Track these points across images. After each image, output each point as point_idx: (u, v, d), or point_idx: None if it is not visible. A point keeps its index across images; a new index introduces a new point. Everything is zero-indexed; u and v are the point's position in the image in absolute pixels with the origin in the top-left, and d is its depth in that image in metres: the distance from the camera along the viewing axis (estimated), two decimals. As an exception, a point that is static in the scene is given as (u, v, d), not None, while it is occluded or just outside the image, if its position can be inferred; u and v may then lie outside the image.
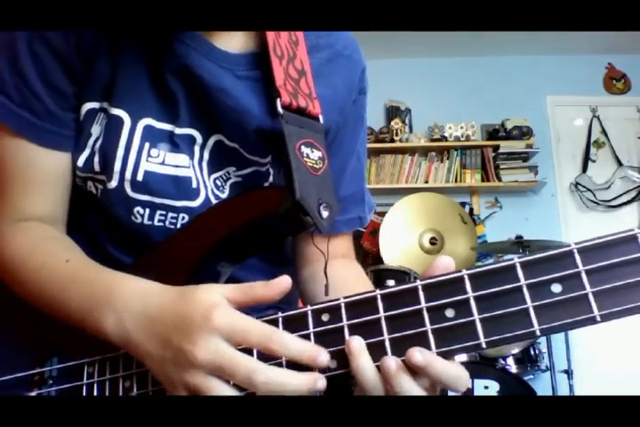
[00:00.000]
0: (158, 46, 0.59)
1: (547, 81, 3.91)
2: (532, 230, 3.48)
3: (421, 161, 3.75)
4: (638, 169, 3.81)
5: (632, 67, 3.94)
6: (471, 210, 3.77)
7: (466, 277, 0.42)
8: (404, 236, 3.29)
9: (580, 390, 3.05)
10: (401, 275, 2.63)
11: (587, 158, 3.85)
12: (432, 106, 3.85)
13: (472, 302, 0.41)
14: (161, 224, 0.63)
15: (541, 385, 3.13)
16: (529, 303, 0.39)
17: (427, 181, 3.67)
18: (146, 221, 0.63)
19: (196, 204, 0.63)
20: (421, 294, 0.43)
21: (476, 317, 0.41)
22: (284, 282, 0.46)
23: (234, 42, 0.62)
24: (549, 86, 3.90)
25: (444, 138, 3.75)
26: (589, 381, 3.28)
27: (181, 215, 0.63)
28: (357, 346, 0.43)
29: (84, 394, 0.54)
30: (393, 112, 3.84)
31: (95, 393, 0.54)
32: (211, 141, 0.63)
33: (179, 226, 0.63)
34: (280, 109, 0.58)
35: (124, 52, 0.59)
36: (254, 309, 0.71)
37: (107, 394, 0.53)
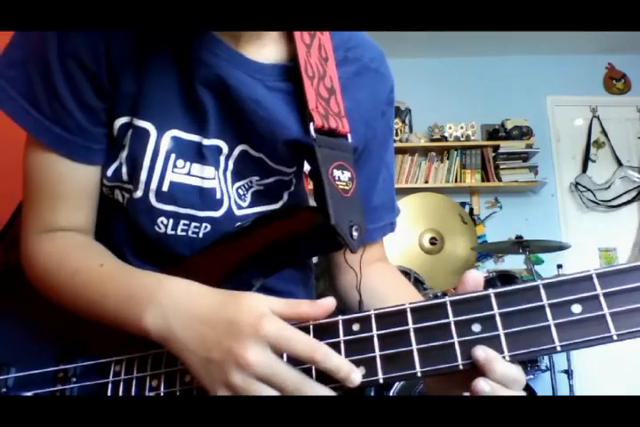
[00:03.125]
0: (187, 58, 0.59)
1: (547, 81, 3.91)
2: (532, 230, 3.49)
3: (421, 161, 3.75)
4: (638, 169, 3.81)
5: (632, 67, 3.94)
6: (471, 210, 3.78)
7: (492, 295, 0.44)
8: (403, 236, 3.29)
9: (580, 390, 3.05)
10: (401, 275, 2.63)
11: (587, 158, 3.85)
12: (432, 106, 3.85)
13: (497, 318, 0.44)
14: (184, 234, 0.64)
15: (541, 385, 3.13)
16: (551, 321, 0.42)
17: (427, 181, 3.68)
18: (169, 231, 0.64)
19: (218, 214, 0.64)
20: (449, 308, 0.45)
21: (501, 331, 0.43)
22: (329, 303, 0.48)
23: (264, 53, 0.62)
24: (549, 86, 3.90)
25: (443, 138, 3.75)
26: (589, 381, 3.28)
27: (204, 225, 0.64)
28: (484, 355, 0.43)
29: (110, 392, 0.56)
30: (393, 112, 3.84)
31: (121, 392, 0.55)
32: (236, 151, 0.63)
33: (201, 235, 0.64)
34: (313, 133, 0.59)
35: (153, 65, 0.59)
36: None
37: (132, 393, 0.54)
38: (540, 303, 0.43)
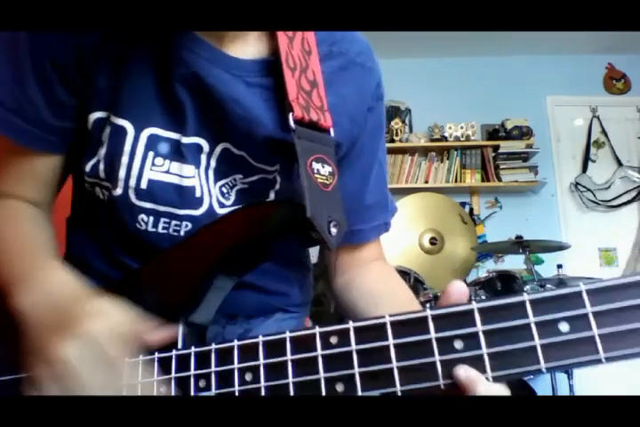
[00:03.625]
0: (167, 56, 0.59)
1: (547, 81, 3.91)
2: (532, 230, 3.48)
3: (421, 161, 3.75)
4: (638, 169, 3.81)
5: (632, 67, 3.94)
6: (471, 210, 3.78)
7: (476, 310, 0.42)
8: (403, 236, 3.29)
9: (580, 390, 3.05)
10: (401, 275, 2.63)
11: (587, 158, 3.85)
12: (432, 106, 3.85)
13: (481, 336, 0.41)
14: (165, 231, 0.64)
15: (541, 385, 3.13)
16: (537, 341, 0.40)
17: (427, 181, 3.67)
18: (150, 229, 0.64)
19: (198, 212, 0.63)
20: (431, 323, 0.43)
21: (485, 351, 0.41)
22: (167, 337, 0.53)
23: (244, 49, 0.61)
24: (549, 86, 3.90)
25: (443, 138, 3.75)
26: (589, 381, 3.28)
27: (184, 223, 0.64)
28: (464, 375, 0.41)
29: None
30: (393, 112, 3.84)
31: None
32: (218, 149, 0.63)
33: (182, 233, 0.64)
34: (292, 124, 0.58)
35: (130, 63, 0.59)
36: (262, 310, 0.73)
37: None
38: (526, 321, 0.40)
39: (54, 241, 0.66)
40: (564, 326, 0.39)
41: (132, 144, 0.60)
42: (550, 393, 2.83)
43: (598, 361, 0.38)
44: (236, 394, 0.47)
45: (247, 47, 0.61)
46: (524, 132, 3.68)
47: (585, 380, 3.24)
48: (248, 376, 0.47)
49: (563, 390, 2.91)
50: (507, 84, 3.90)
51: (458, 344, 0.42)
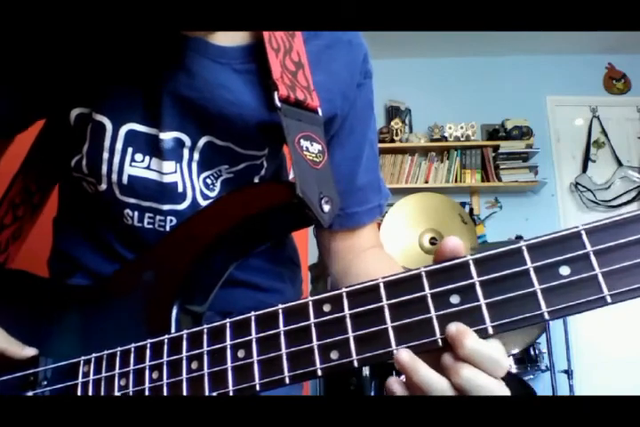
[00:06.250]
0: (149, 51, 0.58)
1: (547, 81, 3.91)
2: (532, 230, 3.48)
3: (421, 161, 3.75)
4: (638, 169, 3.81)
5: (632, 67, 3.94)
6: (471, 210, 3.77)
7: (471, 262, 0.41)
8: (403, 236, 3.28)
9: (579, 390, 3.05)
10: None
11: (587, 158, 3.85)
12: (432, 106, 3.85)
13: (477, 287, 0.40)
14: (151, 226, 0.64)
15: (541, 385, 3.13)
16: (536, 286, 0.38)
17: (427, 181, 3.68)
18: (136, 223, 0.64)
19: (182, 207, 0.63)
20: (425, 280, 0.42)
21: (482, 302, 0.39)
22: (26, 354, 0.57)
23: (229, 36, 0.61)
24: (549, 86, 3.91)
25: (443, 138, 3.75)
26: (589, 381, 3.28)
27: (169, 218, 0.64)
28: (409, 360, 0.40)
29: (79, 394, 0.54)
30: (393, 112, 3.84)
31: (90, 393, 0.53)
32: (200, 143, 0.62)
33: (168, 228, 0.64)
34: (278, 102, 0.57)
35: (109, 57, 0.58)
36: (257, 307, 0.72)
37: (102, 393, 0.52)
38: (524, 267, 0.39)
39: None
40: (564, 270, 0.38)
41: (111, 140, 0.60)
42: (550, 393, 2.83)
43: (603, 300, 0.37)
44: (229, 372, 0.46)
45: (231, 34, 0.61)
46: (524, 133, 3.68)
47: (585, 380, 3.24)
48: (241, 353, 0.46)
49: (563, 390, 2.91)
50: (507, 84, 3.90)
51: (454, 299, 0.40)
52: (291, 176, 0.65)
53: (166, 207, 0.63)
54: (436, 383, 0.40)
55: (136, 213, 0.64)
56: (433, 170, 3.70)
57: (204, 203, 0.64)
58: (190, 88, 0.59)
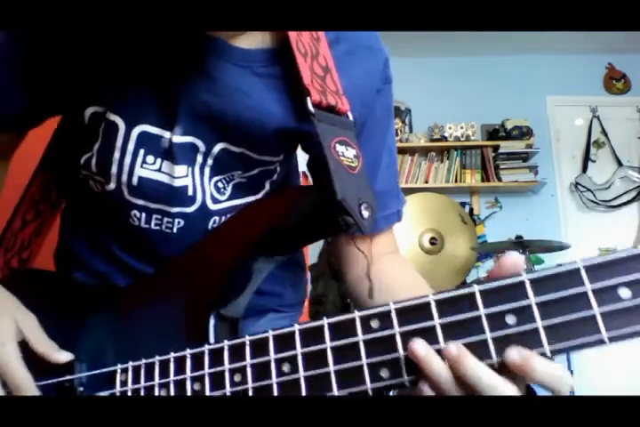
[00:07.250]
0: (169, 53, 0.57)
1: (547, 81, 3.91)
2: (532, 230, 3.48)
3: (421, 161, 3.75)
4: (638, 169, 3.81)
5: (632, 67, 3.94)
6: (471, 210, 3.78)
7: (527, 281, 0.39)
8: (403, 236, 3.29)
9: (580, 390, 3.05)
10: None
11: (587, 158, 3.85)
12: (432, 106, 3.85)
13: (534, 308, 0.38)
14: (157, 228, 0.64)
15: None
16: (595, 309, 0.37)
17: (427, 181, 3.68)
18: (143, 225, 0.64)
19: (190, 209, 0.63)
20: (479, 299, 0.40)
21: (539, 324, 0.38)
22: (62, 359, 0.56)
23: (251, 39, 0.59)
24: (549, 86, 3.91)
25: (443, 138, 3.75)
26: (589, 381, 3.28)
27: (177, 220, 0.63)
28: (424, 351, 0.40)
29: None
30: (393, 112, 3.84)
31: None
32: (216, 149, 0.62)
33: (175, 231, 0.64)
34: (311, 108, 0.56)
35: (127, 57, 0.58)
36: (254, 310, 0.72)
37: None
38: (583, 289, 0.37)
39: None
40: (624, 293, 0.36)
41: (124, 140, 0.60)
42: (550, 393, 2.83)
43: None
44: (274, 387, 0.44)
45: (254, 37, 0.60)
46: (523, 133, 3.68)
47: (585, 380, 3.24)
48: (286, 367, 0.45)
49: (563, 390, 2.90)
50: (507, 84, 3.90)
51: (510, 319, 0.39)
52: (301, 181, 0.65)
53: (175, 210, 0.63)
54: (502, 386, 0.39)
55: (143, 215, 0.63)
56: (433, 170, 3.70)
57: (212, 206, 0.64)
58: (209, 92, 0.58)
